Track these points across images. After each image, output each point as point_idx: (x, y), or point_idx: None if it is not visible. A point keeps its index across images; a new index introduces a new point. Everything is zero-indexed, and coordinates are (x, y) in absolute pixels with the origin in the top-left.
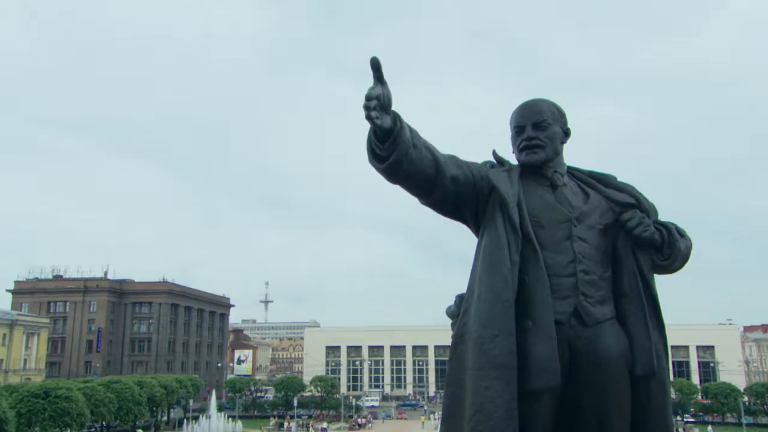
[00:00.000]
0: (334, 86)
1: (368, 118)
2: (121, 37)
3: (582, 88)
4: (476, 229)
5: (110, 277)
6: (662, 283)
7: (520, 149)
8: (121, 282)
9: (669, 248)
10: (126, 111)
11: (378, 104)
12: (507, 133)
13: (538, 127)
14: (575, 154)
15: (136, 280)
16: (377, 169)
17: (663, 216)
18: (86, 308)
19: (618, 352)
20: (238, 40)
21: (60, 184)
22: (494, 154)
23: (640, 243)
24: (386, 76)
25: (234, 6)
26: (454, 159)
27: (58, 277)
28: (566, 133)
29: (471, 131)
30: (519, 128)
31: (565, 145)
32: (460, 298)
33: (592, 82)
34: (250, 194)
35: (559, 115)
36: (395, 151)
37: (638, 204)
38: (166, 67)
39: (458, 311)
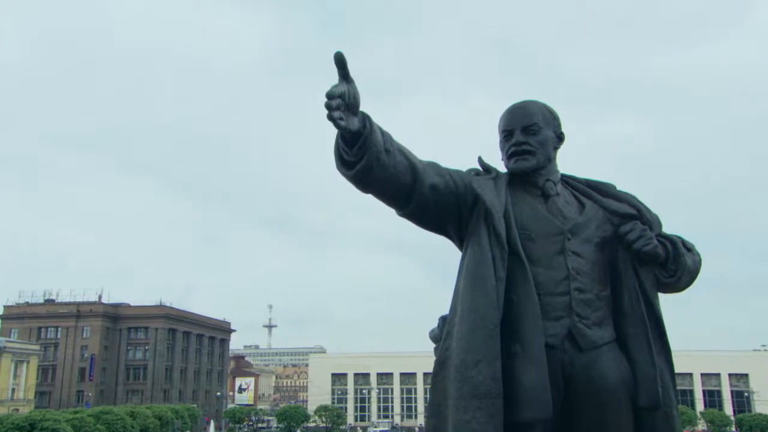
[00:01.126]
0: None
1: (330, 119)
2: (120, 48)
3: (601, 100)
4: (460, 244)
5: (105, 300)
6: (688, 307)
7: (508, 155)
8: (116, 306)
9: (674, 264)
10: (125, 125)
11: (342, 104)
12: None
13: (528, 131)
14: (593, 169)
15: (131, 304)
16: (346, 176)
17: (686, 233)
18: (79, 334)
19: (618, 380)
20: (239, 52)
21: (53, 202)
22: (480, 160)
23: (641, 258)
24: (400, 87)
25: (235, 16)
26: (434, 166)
27: (49, 301)
28: (560, 138)
29: (488, 144)
30: (507, 133)
31: (559, 152)
32: (444, 320)
33: (611, 94)
34: (252, 212)
35: (551, 118)
36: (365, 156)
37: (639, 215)
38: (165, 79)
39: (441, 334)
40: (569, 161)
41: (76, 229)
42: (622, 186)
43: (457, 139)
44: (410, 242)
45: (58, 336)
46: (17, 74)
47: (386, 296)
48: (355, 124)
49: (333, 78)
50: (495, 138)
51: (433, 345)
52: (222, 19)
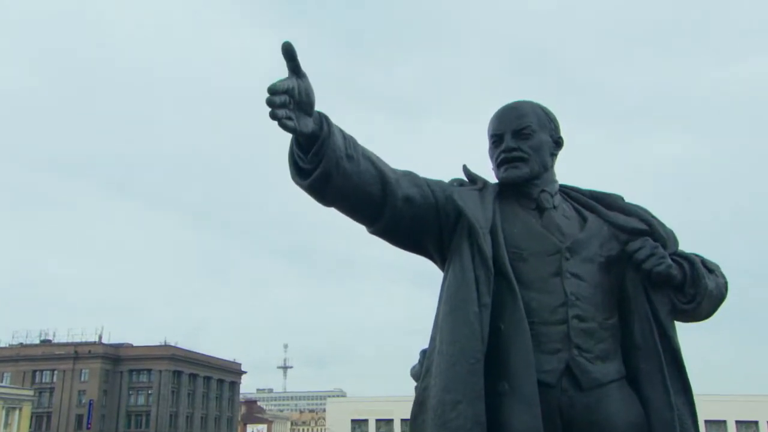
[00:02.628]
0: (360, 120)
1: (274, 118)
2: (122, 68)
3: (645, 118)
4: (443, 265)
5: (105, 341)
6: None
7: (497, 163)
8: (117, 346)
9: (693, 287)
10: (128, 150)
11: (287, 101)
12: (563, 168)
13: (520, 135)
14: (638, 191)
15: (134, 344)
16: (301, 186)
17: (748, 264)
18: (76, 377)
19: (627, 425)
20: (250, 73)
21: (50, 233)
22: (465, 169)
23: (653, 280)
24: (424, 106)
25: (245, 36)
26: (409, 175)
27: (46, 342)
28: (557, 143)
29: None
30: (496, 138)
31: (557, 159)
32: (424, 354)
33: (657, 111)
34: (265, 243)
35: (547, 120)
36: (322, 163)
37: (651, 230)
38: (171, 103)
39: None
40: (613, 183)
41: (76, 263)
42: (670, 210)
43: (487, 162)
44: (438, 273)
45: (54, 380)
46: (13, 98)
47: (413, 333)
48: (308, 125)
49: (351, 99)
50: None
51: (415, 383)
52: (232, 39)
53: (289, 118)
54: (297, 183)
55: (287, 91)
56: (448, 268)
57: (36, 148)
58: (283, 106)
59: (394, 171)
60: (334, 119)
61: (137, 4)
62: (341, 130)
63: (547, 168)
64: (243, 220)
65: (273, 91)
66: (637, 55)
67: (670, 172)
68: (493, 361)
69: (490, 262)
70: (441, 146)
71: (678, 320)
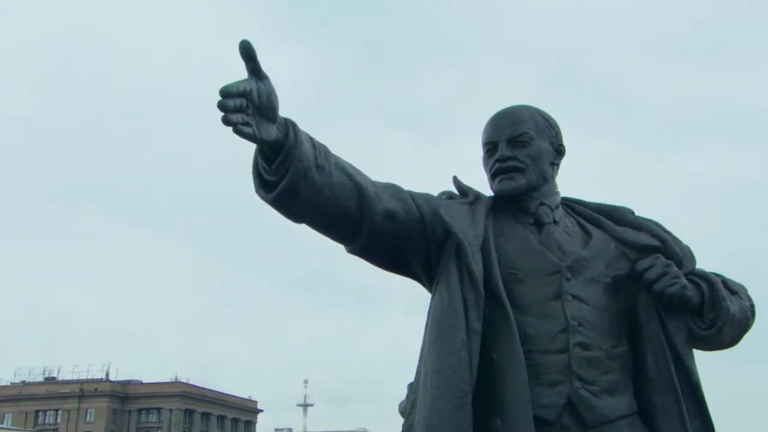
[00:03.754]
0: (380, 136)
1: (227, 123)
2: (129, 87)
3: (689, 133)
4: (431, 288)
5: (112, 377)
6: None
7: (491, 174)
8: (125, 384)
9: (713, 311)
10: (137, 175)
11: (244, 104)
12: (593, 185)
13: (516, 142)
14: (685, 213)
15: (143, 381)
16: (266, 201)
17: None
18: (81, 417)
19: None
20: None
21: (54, 263)
22: (455, 181)
23: (667, 303)
24: (449, 121)
25: (259, 53)
26: (392, 188)
27: (50, 380)
28: (559, 151)
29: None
30: (490, 146)
31: (559, 169)
32: (411, 388)
33: (704, 125)
34: (283, 272)
35: (547, 126)
36: (287, 175)
37: (663, 246)
38: (182, 125)
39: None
40: (654, 203)
41: (81, 294)
42: (726, 233)
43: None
44: None
45: (58, 420)
46: (18, 122)
47: None
48: (270, 132)
49: (371, 113)
50: (566, 181)
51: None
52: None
53: (247, 124)
54: (261, 197)
55: (244, 94)
56: (434, 291)
57: (36, 173)
58: (238, 110)
59: (374, 183)
60: (353, 134)
61: (144, 21)
62: (311, 138)
63: (546, 179)
64: (259, 247)
65: (226, 93)
66: (674, 66)
67: (721, 191)
68: (484, 394)
69: (480, 284)
70: (465, 163)
71: (697, 348)
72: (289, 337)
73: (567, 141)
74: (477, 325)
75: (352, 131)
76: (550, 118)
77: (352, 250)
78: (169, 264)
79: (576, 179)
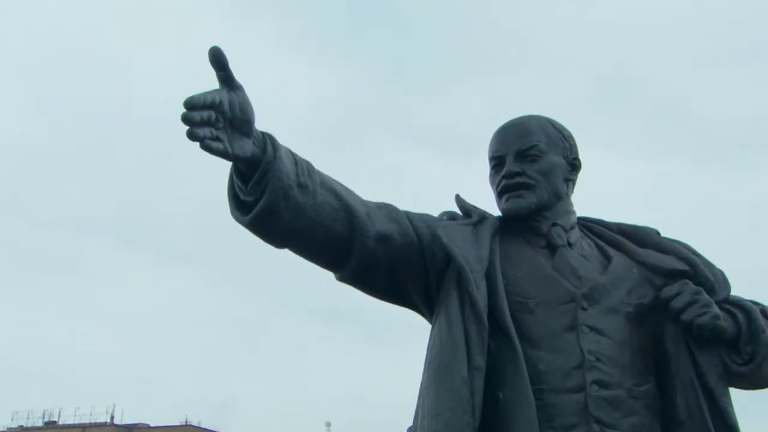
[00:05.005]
0: (406, 157)
1: (192, 138)
2: (140, 113)
3: (755, 149)
4: (432, 319)
5: (117, 421)
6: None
7: (498, 192)
8: (132, 427)
9: (750, 343)
10: (145, 204)
11: (213, 117)
12: (649, 206)
13: (525, 156)
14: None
15: (151, 425)
16: (242, 224)
17: None
18: None
19: None
20: (288, 111)
21: (56, 298)
22: (457, 199)
23: (696, 335)
24: (477, 142)
25: (280, 71)
26: (386, 208)
27: (50, 424)
28: (573, 166)
29: (600, 208)
30: (497, 161)
31: (575, 186)
32: None
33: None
34: (302, 303)
35: (560, 138)
36: (265, 195)
37: (693, 271)
38: (196, 150)
39: None
40: (716, 225)
41: (84, 331)
42: None
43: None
44: None
45: None
46: (19, 148)
47: None
48: (245, 148)
49: (396, 133)
50: (609, 201)
51: None
52: (264, 75)
53: (217, 139)
54: (237, 220)
55: (212, 106)
56: (433, 322)
57: (37, 202)
58: (206, 123)
59: (365, 203)
60: (378, 154)
61: (154, 40)
62: (292, 154)
63: (560, 196)
64: (276, 276)
65: (191, 105)
66: (736, 76)
67: None
68: None
69: (484, 314)
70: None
71: (733, 386)
72: (310, 374)
73: (618, 160)
74: (480, 361)
75: (376, 150)
76: (564, 128)
77: (343, 277)
78: (179, 297)
79: (629, 201)
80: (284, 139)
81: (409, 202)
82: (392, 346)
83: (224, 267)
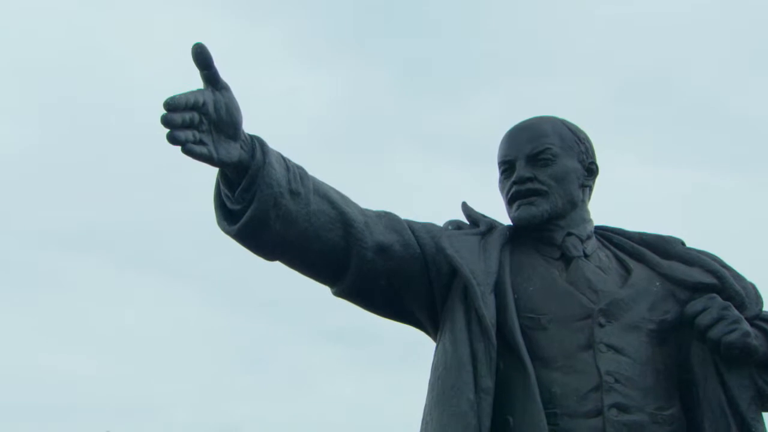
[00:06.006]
0: (424, 165)
1: (173, 141)
2: (139, 123)
3: None
4: (436, 336)
5: None
6: None
7: (508, 199)
8: None
9: None
10: (145, 218)
11: (196, 119)
12: (686, 219)
13: (536, 161)
14: None
15: None
16: (229, 235)
17: None
18: None
19: None
20: (295, 119)
21: (49, 320)
22: (464, 207)
23: (725, 355)
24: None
25: (287, 76)
26: (386, 217)
27: None
28: (589, 171)
29: (645, 223)
30: (506, 165)
31: (592, 192)
32: None
33: None
34: (312, 324)
35: (575, 141)
36: (254, 202)
37: (721, 284)
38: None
39: None
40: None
41: (76, 354)
42: None
43: (598, 216)
44: None
45: None
46: (10, 160)
47: None
48: (231, 152)
49: (413, 140)
50: (652, 215)
51: None
52: (271, 80)
53: (200, 143)
54: (224, 230)
55: (195, 107)
56: (438, 341)
57: (29, 217)
58: (188, 126)
59: (363, 212)
60: (394, 164)
61: (155, 44)
62: (284, 159)
63: (575, 204)
64: (284, 296)
65: (172, 106)
66: None
67: None
68: None
69: (492, 331)
70: None
71: (767, 411)
72: (321, 401)
73: (653, 169)
74: (488, 383)
75: (393, 159)
76: (579, 130)
77: (339, 292)
78: (178, 319)
79: (665, 214)
80: (294, 146)
81: (427, 214)
82: (410, 372)
83: (227, 286)
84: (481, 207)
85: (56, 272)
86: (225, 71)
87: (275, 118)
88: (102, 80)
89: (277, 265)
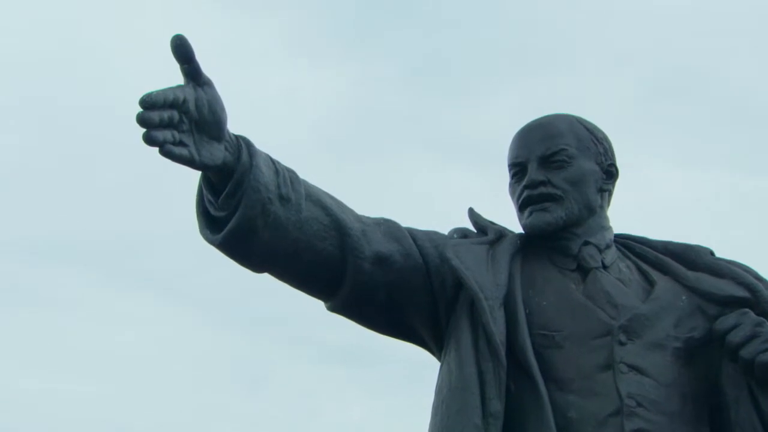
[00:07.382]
0: (440, 172)
1: (150, 142)
2: (128, 127)
3: None
4: (440, 355)
5: None
6: None
7: (520, 204)
8: None
9: None
10: (137, 231)
11: (175, 118)
12: (714, 224)
13: (550, 163)
14: None
15: None
16: (213, 244)
17: None
18: None
19: None
20: (295, 122)
21: (29, 340)
22: (471, 214)
23: (759, 376)
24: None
25: (287, 75)
26: (385, 225)
27: None
28: (608, 174)
29: (672, 229)
30: (517, 167)
31: (611, 197)
32: None
33: None
34: (313, 344)
35: (592, 142)
36: (240, 209)
37: (754, 298)
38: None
39: None
40: None
41: (59, 376)
42: None
43: (624, 222)
44: None
45: None
46: None
47: None
48: (215, 154)
49: (421, 143)
50: (679, 219)
51: None
52: (270, 78)
53: (180, 144)
54: (207, 240)
55: (175, 104)
56: (442, 360)
57: (7, 225)
58: (167, 125)
59: (360, 219)
60: (404, 168)
61: (145, 41)
62: (273, 161)
63: (592, 210)
64: (283, 314)
65: (148, 103)
66: None
67: None
68: None
69: (502, 350)
70: None
71: None
72: (324, 425)
73: (683, 171)
74: (497, 406)
75: (401, 164)
76: (597, 129)
77: (334, 306)
78: (170, 338)
79: (694, 221)
80: (295, 149)
81: (439, 222)
82: (417, 394)
83: (221, 302)
84: (496, 215)
85: (35, 287)
86: (220, 69)
87: (274, 119)
88: (86, 79)
89: (273, 279)
